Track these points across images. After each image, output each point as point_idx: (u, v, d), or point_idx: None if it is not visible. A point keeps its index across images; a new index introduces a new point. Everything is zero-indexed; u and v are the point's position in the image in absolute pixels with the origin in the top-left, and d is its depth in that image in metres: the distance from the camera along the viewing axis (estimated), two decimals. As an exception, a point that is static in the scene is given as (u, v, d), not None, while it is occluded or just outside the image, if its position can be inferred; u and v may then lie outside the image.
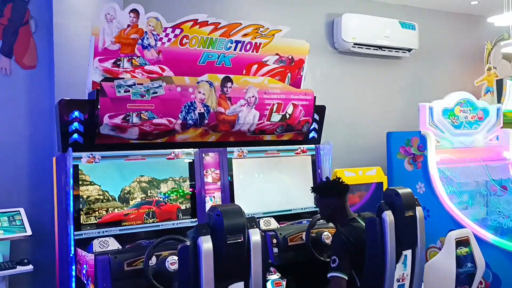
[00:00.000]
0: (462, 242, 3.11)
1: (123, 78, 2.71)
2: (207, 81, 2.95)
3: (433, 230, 3.73)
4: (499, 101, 4.96)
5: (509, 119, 4.67)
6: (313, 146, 3.54)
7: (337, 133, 4.37)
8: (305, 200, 3.45)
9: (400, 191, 2.58)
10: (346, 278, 2.42)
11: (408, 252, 2.60)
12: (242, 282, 2.01)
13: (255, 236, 2.03)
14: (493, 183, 4.23)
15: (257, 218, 3.10)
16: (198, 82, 2.92)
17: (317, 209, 3.42)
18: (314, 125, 3.56)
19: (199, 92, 2.93)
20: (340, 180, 2.74)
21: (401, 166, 4.16)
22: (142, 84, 2.73)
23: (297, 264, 2.95)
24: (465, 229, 3.29)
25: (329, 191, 2.72)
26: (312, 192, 2.88)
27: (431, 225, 3.76)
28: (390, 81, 5.06)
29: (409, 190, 2.63)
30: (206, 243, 1.92)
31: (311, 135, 3.58)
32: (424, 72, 5.29)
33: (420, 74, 5.26)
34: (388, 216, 2.48)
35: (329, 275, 2.46)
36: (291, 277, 2.93)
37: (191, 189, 2.98)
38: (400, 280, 2.59)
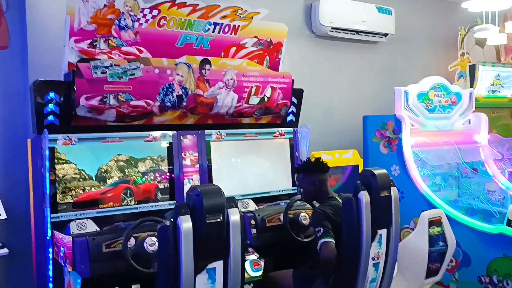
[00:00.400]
0: (434, 222, 3.19)
1: (100, 59, 2.66)
2: (185, 63, 2.93)
3: (407, 211, 3.81)
4: (471, 85, 5.06)
5: (481, 103, 4.79)
6: (291, 129, 3.57)
7: (314, 117, 4.41)
8: (283, 183, 3.49)
9: (376, 172, 2.64)
10: (334, 241, 2.53)
11: (383, 231, 2.67)
12: (222, 261, 2.03)
13: (234, 215, 2.05)
14: (465, 165, 4.35)
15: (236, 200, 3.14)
16: (176, 64, 2.90)
17: (295, 191, 3.49)
18: (292, 108, 3.58)
19: (177, 74, 2.91)
20: (321, 159, 2.88)
21: (377, 149, 4.23)
22: (119, 65, 2.69)
23: (275, 245, 2.99)
24: (437, 210, 3.38)
25: (314, 168, 2.85)
26: (296, 172, 2.96)
27: (405, 207, 3.83)
28: (367, 65, 5.12)
29: (384, 171, 2.69)
30: (186, 223, 1.93)
31: (289, 118, 3.60)
32: (399, 56, 5.36)
33: (396, 59, 5.33)
34: (364, 196, 2.54)
35: (318, 245, 2.54)
36: (269, 257, 2.98)
37: (168, 173, 2.98)
38: (375, 259, 2.66)
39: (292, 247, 3.04)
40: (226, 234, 2.03)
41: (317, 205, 2.88)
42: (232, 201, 2.09)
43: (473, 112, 4.52)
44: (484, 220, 3.76)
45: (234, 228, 2.04)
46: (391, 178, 2.70)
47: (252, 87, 3.22)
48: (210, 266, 2.01)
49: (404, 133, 4.01)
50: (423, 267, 3.13)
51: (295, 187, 3.51)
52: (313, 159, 2.94)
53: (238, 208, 2.10)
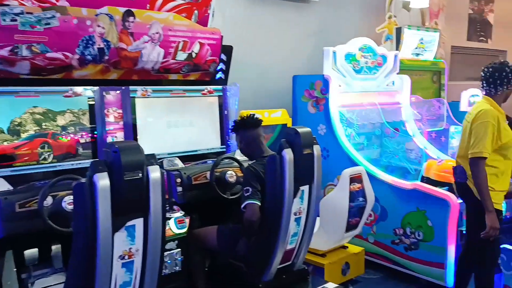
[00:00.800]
0: (355, 179, 3.34)
1: (9, 5, 2.45)
2: (107, 14, 2.77)
3: (331, 169, 3.97)
4: (397, 48, 5.24)
5: (405, 65, 4.98)
6: (220, 87, 3.52)
7: (245, 76, 4.37)
8: (211, 141, 3.48)
9: (300, 130, 2.68)
10: (259, 203, 2.59)
11: (305, 188, 2.75)
12: (142, 219, 2.01)
13: (154, 173, 2.01)
14: (387, 125, 4.55)
15: (162, 158, 3.10)
16: (96, 15, 2.74)
17: (224, 149, 3.50)
18: (221, 66, 3.53)
19: (98, 26, 2.75)
20: (254, 116, 2.92)
21: (305, 109, 4.32)
22: (32, 13, 2.50)
23: (201, 202, 3.01)
24: (358, 167, 3.53)
25: (242, 125, 2.89)
26: (231, 131, 2.99)
27: (330, 164, 4.00)
28: (299, 25, 5.11)
29: (308, 129, 2.74)
30: (103, 180, 1.87)
31: (218, 75, 3.55)
32: (331, 17, 5.40)
33: (327, 19, 5.36)
34: (288, 153, 2.59)
35: (243, 204, 2.60)
36: (195, 215, 2.99)
37: (90, 131, 2.86)
38: (297, 214, 2.74)
39: (219, 204, 3.07)
40: (146, 191, 2.00)
41: (245, 164, 2.91)
42: (152, 158, 2.04)
43: (397, 74, 4.70)
44: (401, 177, 4.00)
45: (154, 185, 2.01)
46: (314, 136, 2.75)
47: (179, 42, 3.12)
48: (129, 223, 1.98)
49: (331, 93, 4.10)
50: (344, 221, 3.29)
51: (224, 146, 3.52)
52: (244, 117, 2.96)
53: (159, 165, 2.07)
